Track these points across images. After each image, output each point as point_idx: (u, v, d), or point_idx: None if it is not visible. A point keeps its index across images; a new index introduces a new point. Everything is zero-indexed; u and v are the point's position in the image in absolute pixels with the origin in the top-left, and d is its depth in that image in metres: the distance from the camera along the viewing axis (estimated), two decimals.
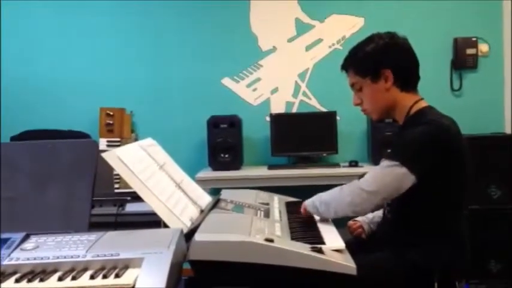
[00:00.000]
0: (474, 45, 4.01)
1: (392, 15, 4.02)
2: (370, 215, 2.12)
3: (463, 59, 4.01)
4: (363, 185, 1.75)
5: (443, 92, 4.05)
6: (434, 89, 3.79)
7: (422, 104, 1.88)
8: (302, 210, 1.94)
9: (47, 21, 4.14)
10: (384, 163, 1.75)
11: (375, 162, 3.54)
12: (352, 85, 1.94)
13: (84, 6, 4.11)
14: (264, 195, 2.24)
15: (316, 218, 1.92)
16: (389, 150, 1.81)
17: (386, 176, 1.73)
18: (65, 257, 1.27)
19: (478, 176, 3.51)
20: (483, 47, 4.03)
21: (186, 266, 1.43)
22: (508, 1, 3.96)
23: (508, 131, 3.96)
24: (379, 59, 1.86)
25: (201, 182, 2.99)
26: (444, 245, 1.76)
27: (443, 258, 1.73)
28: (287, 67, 4.14)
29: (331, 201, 1.83)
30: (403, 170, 1.69)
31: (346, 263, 1.46)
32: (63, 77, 4.13)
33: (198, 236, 1.44)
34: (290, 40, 4.15)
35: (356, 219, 2.14)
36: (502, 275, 3.59)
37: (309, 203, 1.93)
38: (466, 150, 1.81)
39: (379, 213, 2.08)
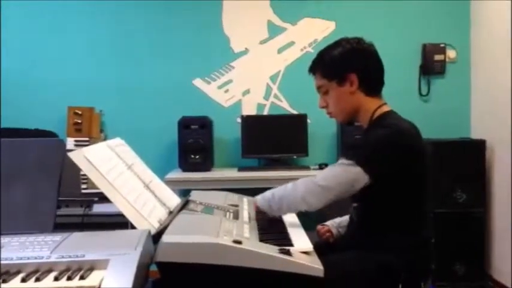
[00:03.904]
0: (442, 51, 4.09)
1: (363, 20, 4.08)
2: (337, 220, 2.15)
3: (431, 64, 4.09)
4: (318, 180, 1.79)
5: (412, 97, 4.12)
6: (402, 94, 3.87)
7: (385, 108, 1.92)
8: (253, 207, 1.94)
9: (14, 19, 4.06)
10: (341, 161, 1.80)
11: None
12: (319, 88, 1.98)
13: (53, 4, 4.05)
14: (233, 197, 2.24)
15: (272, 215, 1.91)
16: (346, 151, 1.85)
17: (341, 173, 1.77)
18: (28, 258, 1.25)
19: (444, 180, 3.58)
20: (451, 53, 4.12)
21: (154, 268, 1.42)
22: (476, 9, 4.05)
23: (473, 136, 4.05)
24: (346, 63, 1.90)
25: (171, 183, 2.96)
26: (409, 245, 1.79)
27: (408, 259, 1.76)
28: (259, 69, 4.15)
29: (284, 195, 1.85)
30: (357, 169, 1.73)
31: (313, 265, 1.47)
32: (31, 75, 4.06)
33: (165, 238, 1.43)
34: (262, 42, 4.16)
35: (324, 223, 2.17)
36: (467, 278, 3.67)
37: (259, 199, 1.94)
38: (427, 152, 1.85)
39: (346, 217, 2.10)
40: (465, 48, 4.13)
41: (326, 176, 1.80)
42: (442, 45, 4.09)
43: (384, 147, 1.76)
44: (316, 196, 1.77)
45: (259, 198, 1.95)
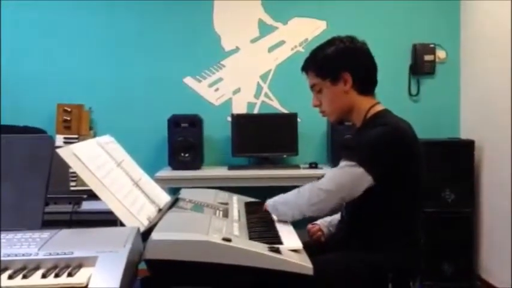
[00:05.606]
0: (432, 51, 4.11)
1: (353, 20, 4.08)
2: (328, 218, 2.14)
3: (421, 64, 4.11)
4: (321, 184, 1.79)
5: (401, 97, 4.14)
6: (392, 94, 3.87)
7: (379, 107, 1.92)
8: (264, 208, 1.96)
9: (3, 15, 4.01)
10: (342, 163, 1.78)
11: (335, 164, 3.55)
12: (312, 86, 1.97)
13: (43, 1, 4.02)
14: (223, 195, 2.23)
15: (275, 218, 1.92)
16: (346, 152, 1.84)
17: (344, 176, 1.77)
18: (16, 255, 1.23)
19: (433, 180, 3.59)
20: (441, 54, 4.14)
21: (142, 266, 1.41)
22: (466, 9, 4.07)
23: (463, 136, 4.07)
24: (340, 61, 1.89)
25: (161, 181, 2.96)
26: (399, 244, 1.80)
27: (398, 258, 1.77)
28: (249, 68, 4.15)
29: (290, 201, 1.86)
30: (360, 170, 1.72)
31: (303, 263, 1.47)
32: (20, 71, 4.03)
33: (154, 235, 1.42)
34: (253, 41, 4.15)
35: (315, 222, 2.15)
36: (455, 277, 3.68)
37: (269, 203, 1.95)
38: (422, 153, 1.85)
39: (337, 216, 2.10)
40: (455, 48, 4.15)
41: (329, 180, 1.80)
42: (432, 45, 4.11)
43: (385, 146, 1.75)
44: (320, 201, 1.78)
45: (269, 200, 1.97)
